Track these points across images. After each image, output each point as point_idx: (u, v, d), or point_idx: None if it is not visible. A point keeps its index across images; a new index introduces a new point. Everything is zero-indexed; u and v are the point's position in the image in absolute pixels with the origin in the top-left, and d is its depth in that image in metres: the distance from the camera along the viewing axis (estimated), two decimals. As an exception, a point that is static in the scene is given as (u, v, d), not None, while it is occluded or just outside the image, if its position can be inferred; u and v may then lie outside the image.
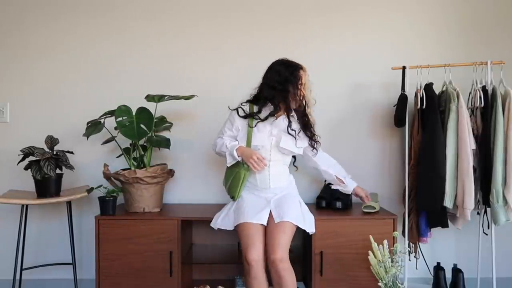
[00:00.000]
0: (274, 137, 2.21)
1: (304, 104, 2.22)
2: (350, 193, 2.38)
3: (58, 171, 2.42)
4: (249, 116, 2.22)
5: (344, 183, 2.34)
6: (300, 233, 2.61)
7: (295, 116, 2.25)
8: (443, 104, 2.37)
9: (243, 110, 2.24)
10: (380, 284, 2.10)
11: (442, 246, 2.71)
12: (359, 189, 2.37)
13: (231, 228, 2.13)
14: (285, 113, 2.24)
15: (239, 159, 2.17)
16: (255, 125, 2.21)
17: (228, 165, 2.22)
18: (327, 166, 2.36)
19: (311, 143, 2.28)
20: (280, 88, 2.16)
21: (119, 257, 2.31)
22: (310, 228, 2.16)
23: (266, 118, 2.20)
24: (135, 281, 2.31)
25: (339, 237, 2.29)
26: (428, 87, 2.38)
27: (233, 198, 2.23)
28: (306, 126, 2.25)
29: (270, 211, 2.12)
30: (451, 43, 2.70)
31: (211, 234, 2.19)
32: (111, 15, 2.72)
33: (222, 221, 2.17)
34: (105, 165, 2.46)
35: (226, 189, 2.31)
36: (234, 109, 2.27)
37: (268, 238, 2.05)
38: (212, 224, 2.21)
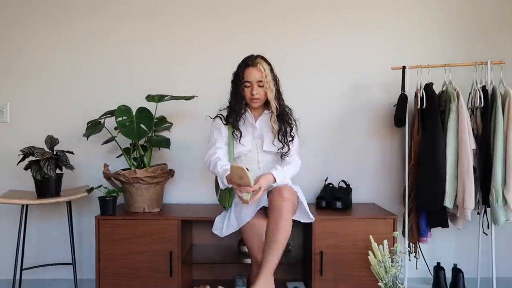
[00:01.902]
0: (259, 139, 2.22)
1: (276, 105, 2.16)
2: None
3: (58, 171, 2.42)
4: (227, 123, 2.22)
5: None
6: (300, 232, 2.62)
7: (272, 116, 2.19)
8: (443, 104, 2.37)
9: (223, 117, 2.24)
10: (380, 284, 2.10)
11: (442, 246, 2.71)
12: (262, 181, 2.03)
13: (237, 229, 2.11)
14: (264, 111, 2.24)
15: (229, 186, 2.09)
16: (234, 131, 2.19)
17: (222, 188, 2.15)
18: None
19: (282, 147, 2.19)
20: (232, 90, 2.20)
21: (119, 257, 2.31)
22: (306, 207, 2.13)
23: (235, 126, 2.19)
24: (135, 281, 2.31)
25: (339, 237, 2.28)
26: (428, 87, 2.38)
27: (224, 207, 2.24)
28: (281, 128, 2.19)
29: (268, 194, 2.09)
30: (451, 43, 2.70)
31: (211, 234, 2.19)
32: (111, 15, 2.72)
33: (227, 228, 2.15)
34: (105, 165, 2.46)
35: (217, 199, 2.30)
36: (215, 117, 2.27)
37: (271, 194, 2.02)
38: (216, 232, 2.18)
